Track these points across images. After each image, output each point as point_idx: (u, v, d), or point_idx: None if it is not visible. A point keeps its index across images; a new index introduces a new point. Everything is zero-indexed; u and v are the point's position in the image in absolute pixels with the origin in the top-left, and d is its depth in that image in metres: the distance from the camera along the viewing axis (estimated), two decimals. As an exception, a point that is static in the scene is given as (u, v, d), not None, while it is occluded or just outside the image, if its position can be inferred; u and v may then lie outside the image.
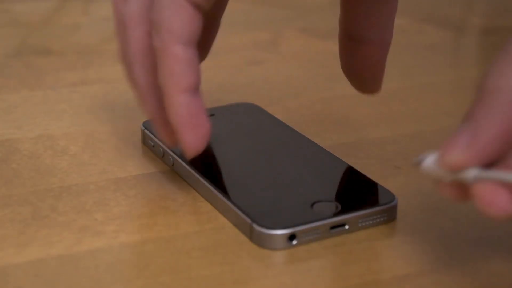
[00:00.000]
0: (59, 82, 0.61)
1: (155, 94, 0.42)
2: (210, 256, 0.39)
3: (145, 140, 0.51)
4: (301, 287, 0.37)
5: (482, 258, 0.39)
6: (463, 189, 0.37)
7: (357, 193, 0.43)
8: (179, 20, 0.39)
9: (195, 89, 0.41)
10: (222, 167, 0.46)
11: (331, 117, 0.55)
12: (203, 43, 0.45)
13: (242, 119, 0.52)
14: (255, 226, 0.40)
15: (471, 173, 0.36)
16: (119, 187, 0.46)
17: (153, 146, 0.50)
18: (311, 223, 0.40)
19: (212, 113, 0.52)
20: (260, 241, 0.40)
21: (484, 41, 0.71)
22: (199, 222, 0.42)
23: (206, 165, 0.46)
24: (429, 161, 0.38)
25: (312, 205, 0.42)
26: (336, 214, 0.41)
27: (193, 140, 0.41)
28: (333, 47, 0.69)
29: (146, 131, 0.50)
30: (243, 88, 0.60)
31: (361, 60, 0.47)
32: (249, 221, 0.41)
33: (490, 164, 0.35)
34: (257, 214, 0.41)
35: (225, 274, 0.38)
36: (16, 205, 0.44)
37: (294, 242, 0.40)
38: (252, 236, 0.41)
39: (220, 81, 0.61)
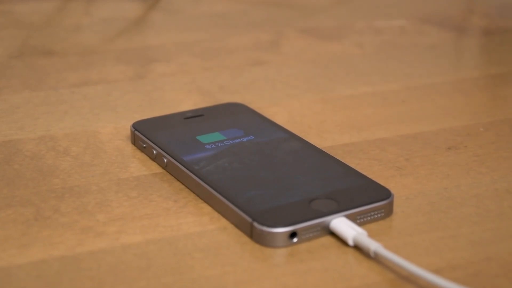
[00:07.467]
0: (61, 83, 0.61)
1: None
2: (212, 257, 0.40)
3: (135, 141, 0.51)
4: (302, 288, 0.37)
5: (482, 259, 0.39)
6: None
7: (353, 190, 0.44)
8: None
9: None
10: (217, 167, 0.46)
11: (332, 117, 0.55)
12: None
13: (232, 119, 0.52)
14: (255, 224, 0.40)
15: (373, 246, 0.39)
16: (121, 188, 0.46)
17: (145, 147, 0.49)
18: (312, 220, 0.41)
19: (201, 113, 0.53)
20: (261, 240, 0.40)
21: (485, 41, 0.71)
22: (201, 223, 0.42)
23: (202, 166, 0.46)
24: (339, 221, 0.41)
25: (310, 203, 0.42)
26: (335, 211, 0.41)
27: None
28: (334, 47, 0.69)
29: (136, 132, 0.50)
30: (244, 89, 0.60)
31: None
32: (249, 220, 0.41)
33: None
34: (257, 213, 0.41)
35: (228, 275, 0.38)
36: (18, 206, 0.44)
37: (295, 240, 0.40)
38: (253, 235, 0.41)
39: (222, 81, 0.61)
